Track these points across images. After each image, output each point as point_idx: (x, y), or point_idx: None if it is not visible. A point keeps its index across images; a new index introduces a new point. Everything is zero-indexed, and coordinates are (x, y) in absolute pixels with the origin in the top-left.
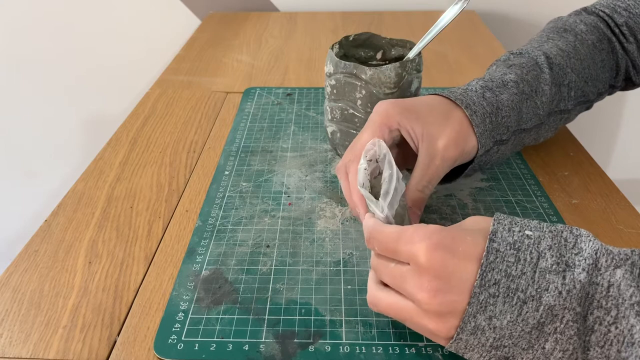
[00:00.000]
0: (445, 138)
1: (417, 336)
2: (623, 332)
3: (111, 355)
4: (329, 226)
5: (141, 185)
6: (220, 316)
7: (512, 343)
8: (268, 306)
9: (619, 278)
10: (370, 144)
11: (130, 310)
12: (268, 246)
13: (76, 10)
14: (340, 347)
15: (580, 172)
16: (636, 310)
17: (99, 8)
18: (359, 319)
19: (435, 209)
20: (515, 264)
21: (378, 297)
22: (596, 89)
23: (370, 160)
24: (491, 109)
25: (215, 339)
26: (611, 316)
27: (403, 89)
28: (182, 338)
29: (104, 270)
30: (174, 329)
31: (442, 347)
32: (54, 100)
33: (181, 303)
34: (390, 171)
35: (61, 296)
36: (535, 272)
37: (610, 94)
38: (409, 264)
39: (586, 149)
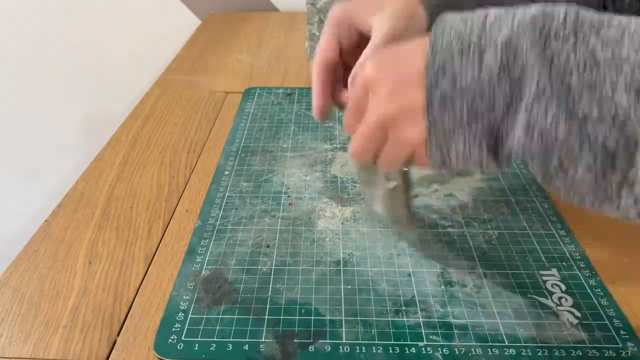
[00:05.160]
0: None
1: (417, 336)
2: (584, 54)
3: (111, 355)
4: (329, 226)
5: (141, 185)
6: (220, 316)
7: (488, 107)
8: (268, 306)
9: (576, 9)
10: None
11: (130, 310)
12: (268, 246)
13: (76, 10)
14: (340, 347)
15: None
16: (596, 30)
17: (99, 8)
18: (359, 319)
19: (436, 209)
20: (464, 25)
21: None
22: None
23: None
24: None
25: (215, 339)
26: (570, 43)
27: None
28: (182, 338)
29: (104, 270)
30: (174, 329)
31: (442, 347)
32: (54, 100)
33: (181, 303)
34: None
35: (61, 296)
36: (484, 24)
37: None
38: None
39: None
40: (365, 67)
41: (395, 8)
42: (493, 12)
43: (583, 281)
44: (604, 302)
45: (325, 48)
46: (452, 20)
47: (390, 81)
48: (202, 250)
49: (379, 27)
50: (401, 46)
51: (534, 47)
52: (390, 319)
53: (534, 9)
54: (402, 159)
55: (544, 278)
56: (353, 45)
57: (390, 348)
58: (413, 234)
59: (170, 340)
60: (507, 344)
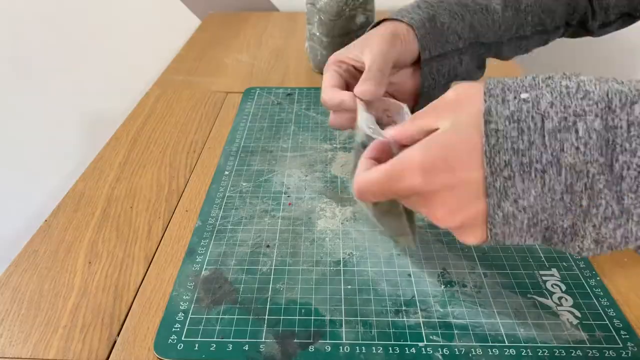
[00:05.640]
0: (379, 37)
1: (417, 336)
2: None
3: (111, 355)
4: (329, 226)
5: (141, 185)
6: (220, 316)
7: (549, 215)
8: (268, 306)
9: (639, 114)
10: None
11: (130, 310)
12: (268, 246)
13: (76, 10)
14: (340, 347)
15: None
16: None
17: (99, 8)
18: (359, 319)
19: None
20: (520, 137)
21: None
22: (553, 21)
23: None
24: (427, 16)
25: (215, 339)
26: (638, 157)
27: (346, 19)
28: (182, 338)
29: (104, 270)
30: (174, 329)
31: (442, 347)
32: (54, 100)
33: (181, 303)
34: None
35: (61, 296)
36: (544, 136)
37: (566, 33)
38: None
39: None
40: (415, 183)
41: (382, 38)
42: (546, 105)
43: (583, 281)
44: (604, 302)
45: (327, 84)
46: (504, 129)
47: (450, 204)
48: (202, 250)
49: (369, 57)
50: (452, 155)
51: (601, 175)
52: (390, 319)
53: (598, 122)
54: None
55: (544, 278)
56: (352, 80)
57: (390, 348)
58: (412, 244)
59: (170, 340)
60: (507, 344)
